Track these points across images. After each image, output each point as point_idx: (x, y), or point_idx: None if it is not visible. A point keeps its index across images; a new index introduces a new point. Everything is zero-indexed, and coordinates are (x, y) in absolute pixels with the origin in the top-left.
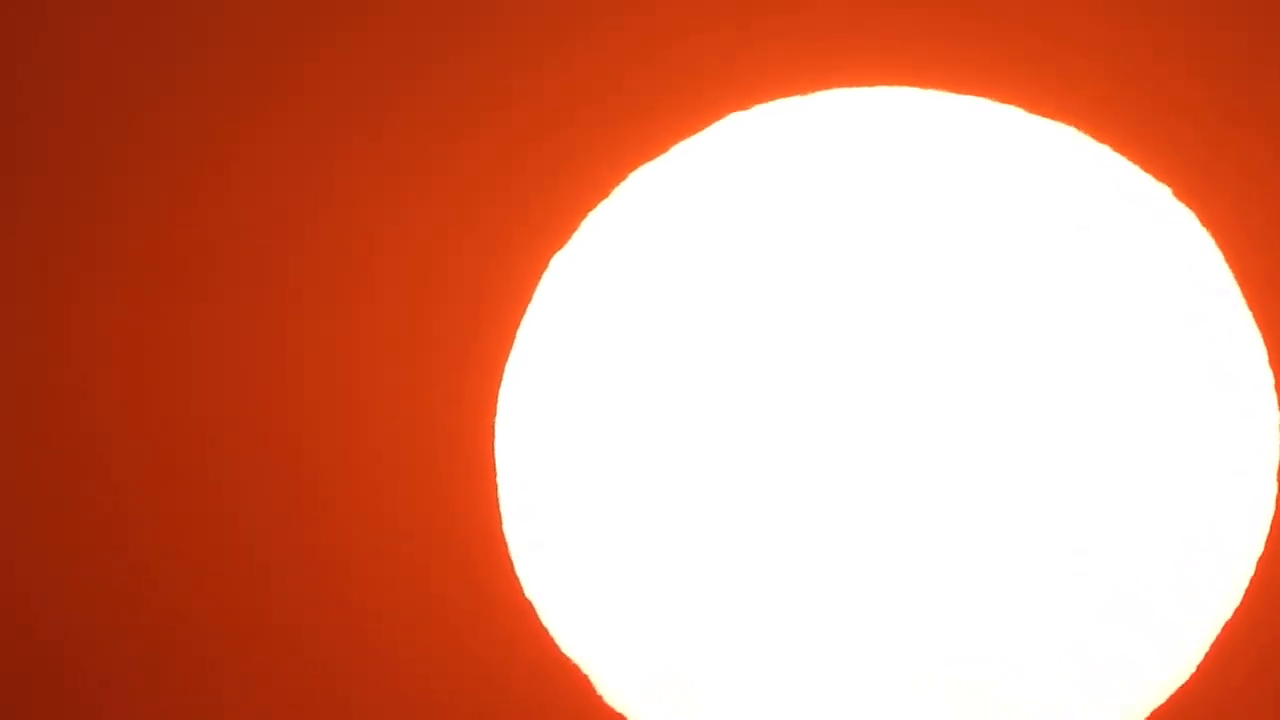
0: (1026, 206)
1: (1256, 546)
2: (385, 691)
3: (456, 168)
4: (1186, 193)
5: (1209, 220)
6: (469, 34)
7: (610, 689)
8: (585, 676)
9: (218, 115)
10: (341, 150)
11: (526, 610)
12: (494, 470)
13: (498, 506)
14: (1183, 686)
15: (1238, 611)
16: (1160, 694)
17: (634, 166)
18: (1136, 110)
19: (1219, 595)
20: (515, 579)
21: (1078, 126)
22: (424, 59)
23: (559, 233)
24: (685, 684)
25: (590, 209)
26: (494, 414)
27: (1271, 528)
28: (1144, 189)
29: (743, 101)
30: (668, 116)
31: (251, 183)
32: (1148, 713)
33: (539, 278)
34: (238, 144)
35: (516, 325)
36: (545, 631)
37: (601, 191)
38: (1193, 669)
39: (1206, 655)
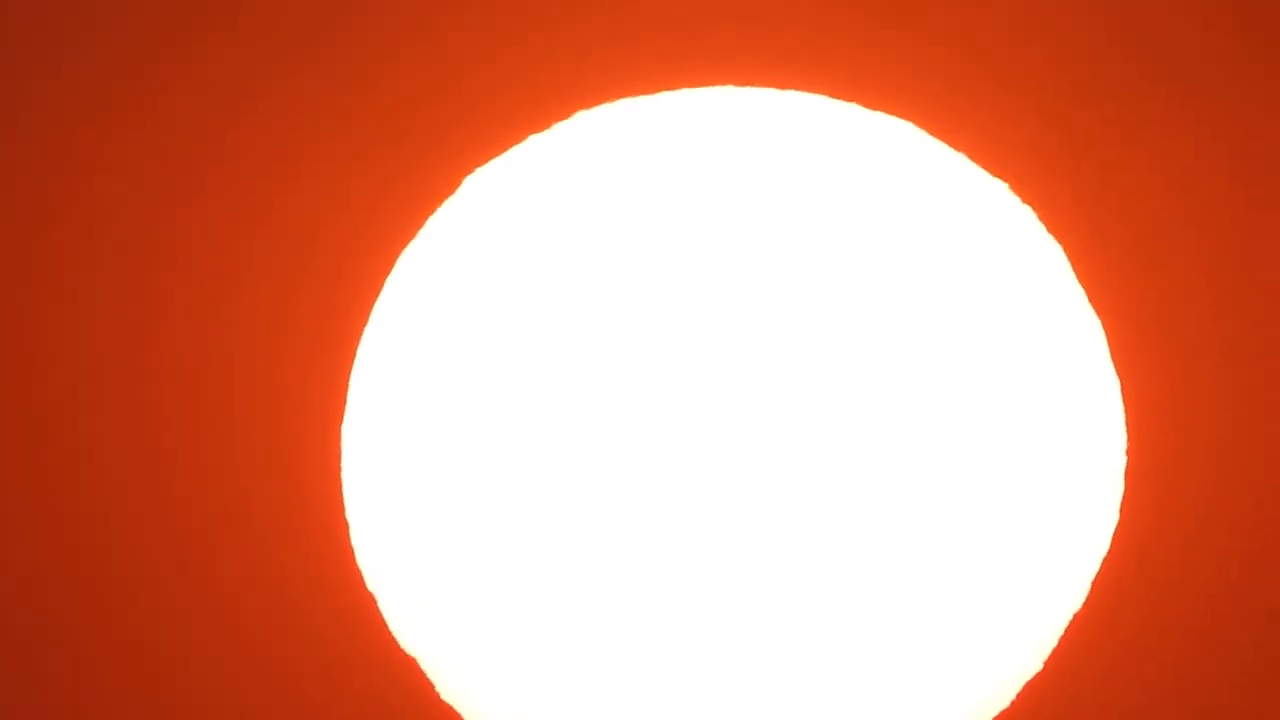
0: (864, 203)
1: (1102, 546)
2: (225, 686)
3: (299, 167)
4: (1024, 189)
5: (1047, 217)
6: (311, 32)
7: (450, 688)
8: (424, 673)
9: (59, 125)
10: (185, 152)
11: (369, 605)
12: (339, 471)
13: (342, 503)
14: (1027, 686)
15: (1081, 610)
16: (1006, 695)
17: (479, 164)
18: (972, 106)
19: (1064, 594)
20: (357, 571)
21: (914, 121)
22: (266, 58)
23: (405, 230)
24: (526, 684)
25: (436, 206)
26: (341, 414)
27: (1117, 526)
28: (980, 185)
29: (589, 100)
30: (514, 114)
31: (99, 184)
32: (993, 714)
33: (385, 277)
34: (79, 149)
35: (363, 325)
36: (386, 627)
37: (448, 188)
38: (1038, 667)
39: (1051, 654)
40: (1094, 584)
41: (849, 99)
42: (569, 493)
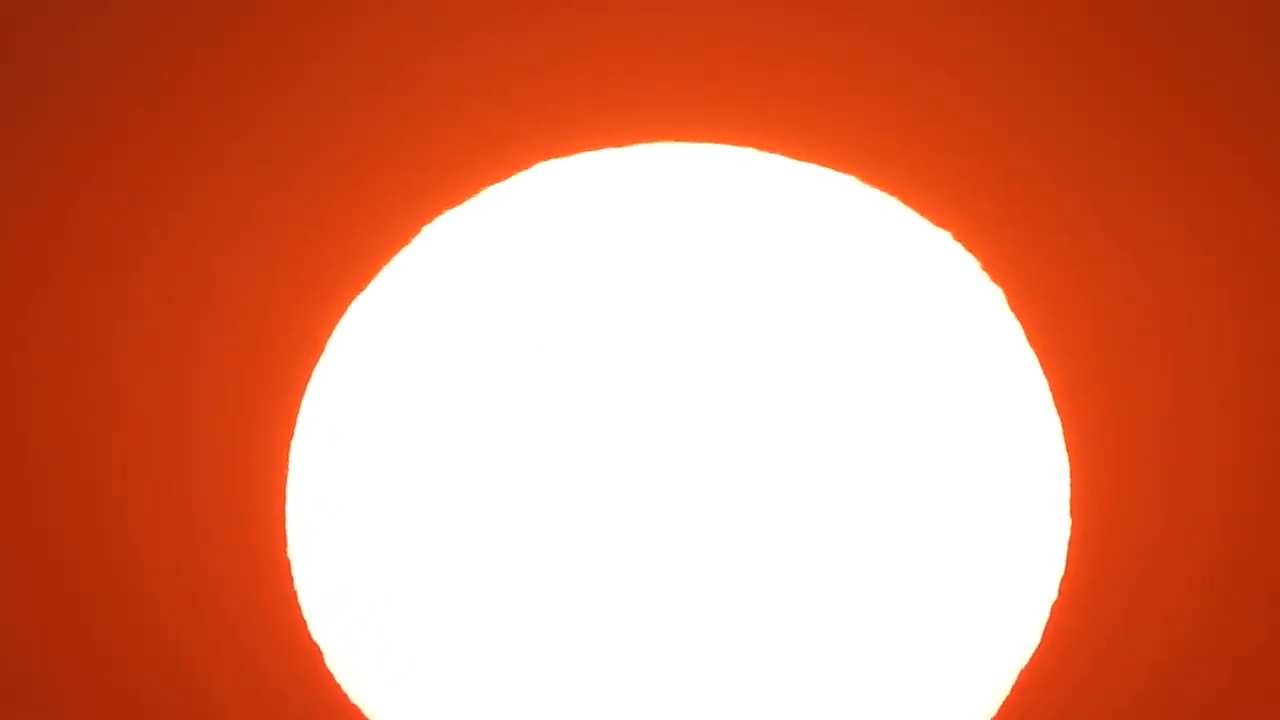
0: (810, 255)
1: (1050, 590)
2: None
3: (259, 209)
4: (966, 238)
5: (990, 265)
6: (278, 73)
7: None
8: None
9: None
10: (143, 191)
11: (312, 650)
12: (284, 517)
13: (286, 544)
14: None
15: (1034, 656)
16: None
17: (439, 212)
18: (914, 158)
19: (1014, 640)
20: (300, 614)
21: (857, 175)
22: (230, 100)
23: (358, 277)
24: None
25: (393, 254)
26: (287, 454)
27: (1065, 569)
28: (923, 235)
29: (551, 151)
30: (476, 163)
31: (57, 222)
32: None
33: (336, 322)
34: (37, 186)
35: (311, 369)
36: (330, 674)
37: (405, 236)
38: (992, 713)
39: (1006, 700)
40: (1046, 628)
41: (795, 155)
42: (516, 542)
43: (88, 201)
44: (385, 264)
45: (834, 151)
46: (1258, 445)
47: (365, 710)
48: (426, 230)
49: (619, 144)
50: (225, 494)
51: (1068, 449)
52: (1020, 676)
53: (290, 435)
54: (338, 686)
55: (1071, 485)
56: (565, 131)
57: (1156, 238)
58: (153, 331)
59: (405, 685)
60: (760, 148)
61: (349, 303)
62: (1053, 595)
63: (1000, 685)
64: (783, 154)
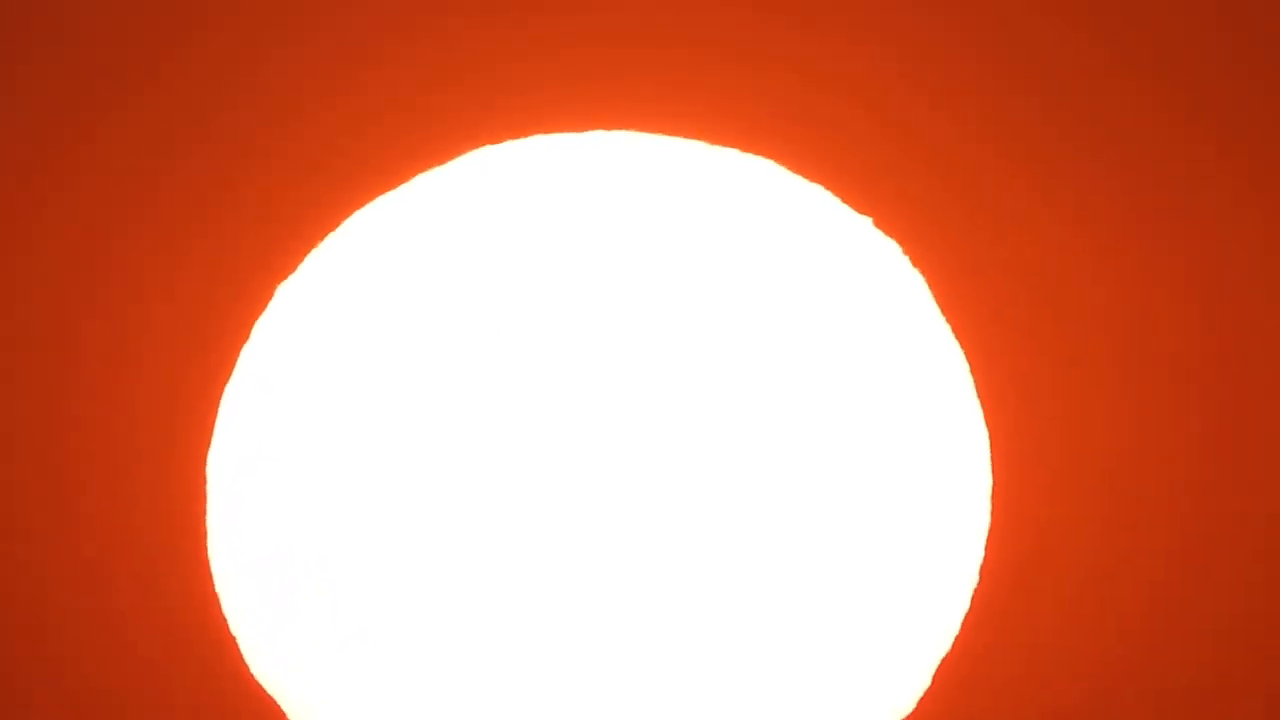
0: (732, 240)
1: (970, 580)
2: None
3: (186, 191)
4: (887, 224)
5: (911, 250)
6: (212, 55)
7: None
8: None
9: None
10: (57, 167)
11: (229, 645)
12: (204, 502)
13: (205, 539)
14: None
15: (953, 647)
16: None
17: (370, 197)
18: (835, 143)
19: (933, 631)
20: (220, 612)
21: (777, 160)
22: (160, 83)
23: (288, 261)
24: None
25: (321, 238)
26: (208, 444)
27: (985, 558)
28: (844, 221)
29: (482, 139)
30: (408, 149)
31: None
32: None
33: (263, 308)
34: None
35: (236, 355)
36: (248, 669)
37: (335, 221)
38: (911, 707)
39: (924, 694)
40: (965, 619)
41: (715, 141)
42: (443, 530)
43: (5, 189)
44: (313, 248)
45: (754, 137)
46: (1184, 432)
47: (281, 701)
48: (356, 215)
49: (546, 131)
50: (146, 482)
51: (989, 435)
52: (939, 668)
53: (213, 422)
54: (256, 681)
55: (993, 472)
56: (496, 118)
57: (1080, 222)
58: (73, 318)
59: (320, 672)
60: (681, 134)
61: (275, 287)
62: (972, 585)
63: (919, 677)
64: (704, 140)
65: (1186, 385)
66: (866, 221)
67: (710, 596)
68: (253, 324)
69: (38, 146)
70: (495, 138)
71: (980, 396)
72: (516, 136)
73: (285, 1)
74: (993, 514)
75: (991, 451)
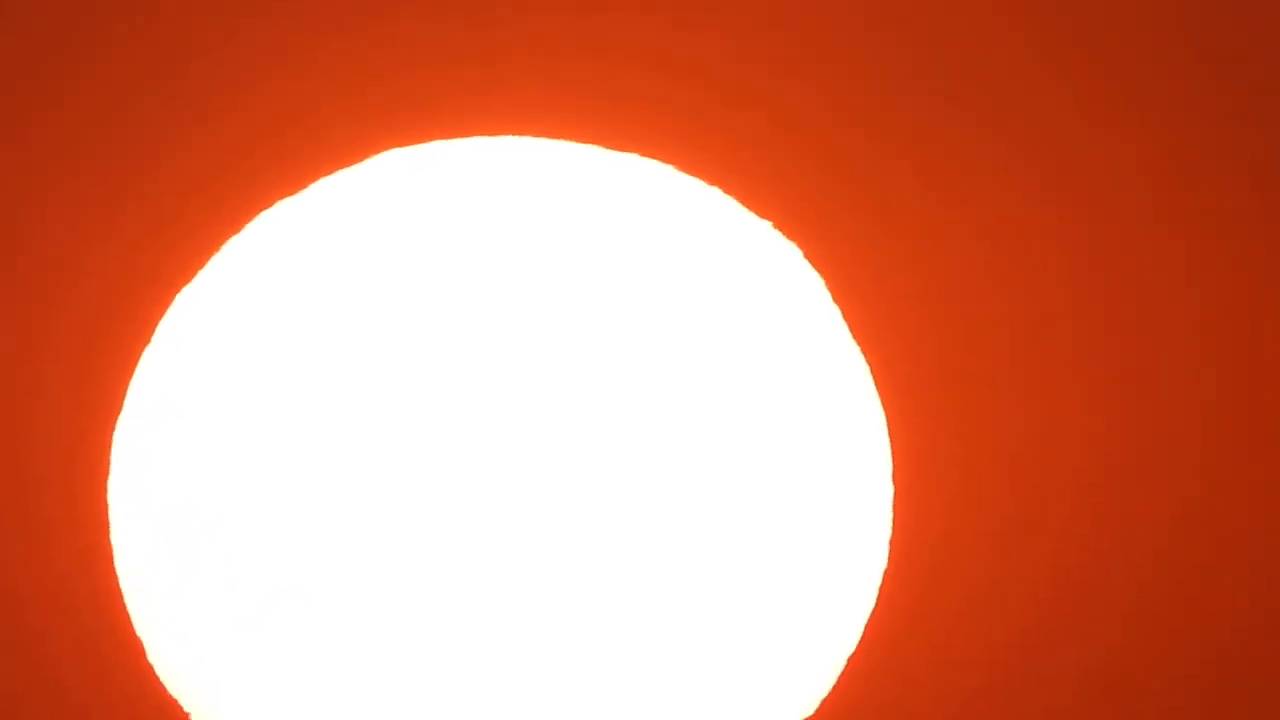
0: (633, 245)
1: (873, 584)
2: None
3: (86, 194)
4: (786, 227)
5: (811, 254)
6: (115, 56)
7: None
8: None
9: None
10: None
11: (136, 649)
12: (106, 511)
13: (109, 538)
14: None
15: (856, 651)
16: None
17: (272, 201)
18: (735, 147)
19: (835, 635)
20: (125, 614)
21: (677, 165)
22: (61, 85)
23: (190, 265)
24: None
25: (223, 242)
26: (111, 444)
27: (888, 562)
28: (743, 224)
29: (386, 143)
30: (309, 154)
31: None
32: None
33: (166, 309)
34: None
35: (138, 358)
36: (153, 672)
37: (237, 225)
38: (812, 710)
39: (826, 697)
40: (867, 623)
41: (614, 146)
42: (346, 538)
43: None
44: (215, 252)
45: (654, 142)
46: (1083, 430)
47: (183, 702)
48: (259, 218)
49: (447, 137)
50: (47, 486)
51: (890, 437)
52: (842, 672)
53: (114, 424)
54: (159, 680)
55: (894, 474)
56: (399, 124)
57: (979, 225)
58: None
59: (222, 676)
60: (580, 139)
61: (178, 290)
62: (875, 588)
63: (821, 681)
64: (603, 145)
65: (1085, 382)
66: (766, 225)
67: (613, 598)
68: (154, 328)
69: None
70: (396, 142)
71: (880, 396)
72: (418, 141)
73: (186, 7)
74: (895, 514)
75: (893, 452)
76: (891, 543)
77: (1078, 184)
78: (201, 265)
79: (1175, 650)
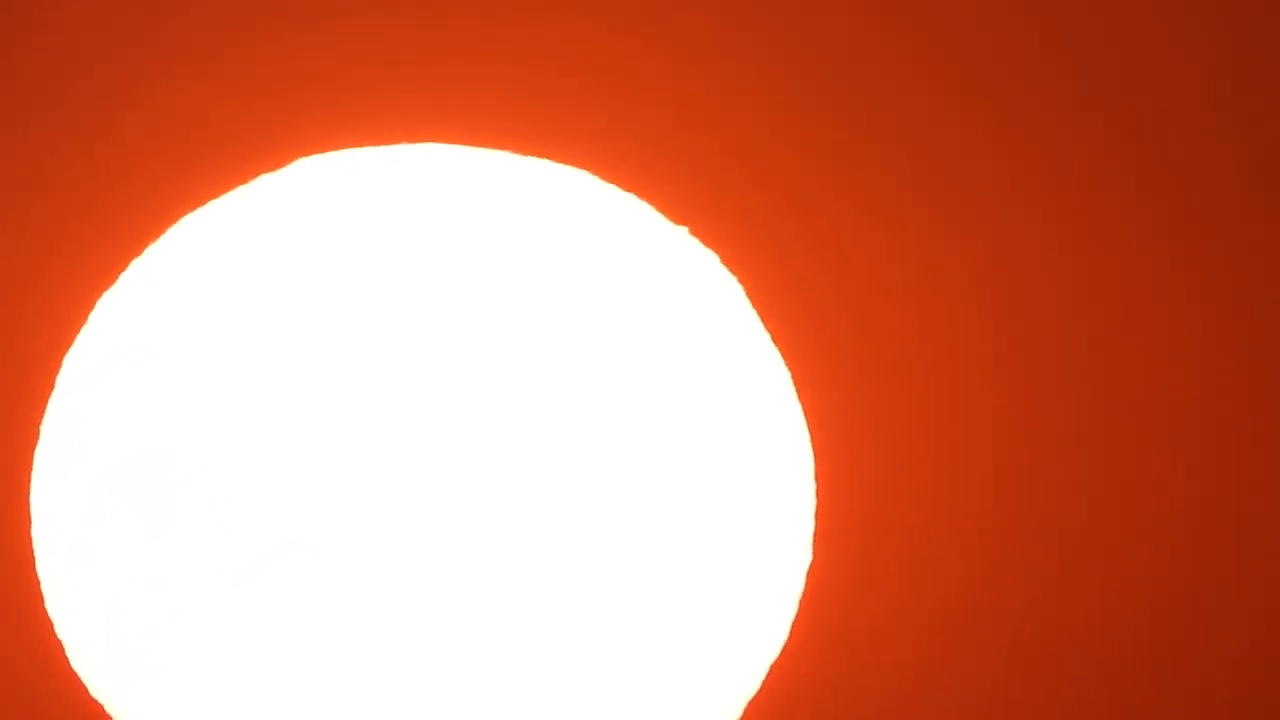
0: (548, 253)
1: (796, 586)
2: None
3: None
4: (704, 233)
5: (729, 259)
6: (36, 54)
7: None
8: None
9: None
10: None
11: (56, 651)
12: (28, 516)
13: (31, 546)
14: None
15: (780, 655)
16: None
17: (193, 206)
18: (651, 152)
19: (760, 638)
20: (48, 620)
21: (595, 172)
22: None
23: (110, 271)
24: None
25: (143, 248)
26: (32, 453)
27: (811, 563)
28: (660, 231)
29: (302, 149)
30: (232, 160)
31: None
32: None
33: (84, 320)
34: None
35: (57, 368)
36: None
37: (157, 231)
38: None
39: (750, 703)
40: (792, 625)
41: (529, 151)
42: (256, 535)
43: None
44: (135, 258)
45: (569, 148)
46: (1002, 429)
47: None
48: (179, 223)
49: (358, 144)
50: None
51: (811, 441)
52: (767, 676)
53: (37, 433)
54: (80, 682)
55: (816, 478)
56: (314, 130)
57: (900, 227)
58: None
59: (152, 684)
60: (494, 145)
61: (97, 298)
62: (798, 591)
63: (747, 685)
64: (516, 150)
65: (1003, 385)
66: (683, 230)
67: (532, 604)
68: (76, 333)
69: None
70: (312, 149)
71: (800, 400)
72: (334, 148)
73: (114, 3)
74: (817, 517)
75: (814, 456)
76: (814, 546)
77: (991, 186)
78: (122, 270)
79: (1091, 641)
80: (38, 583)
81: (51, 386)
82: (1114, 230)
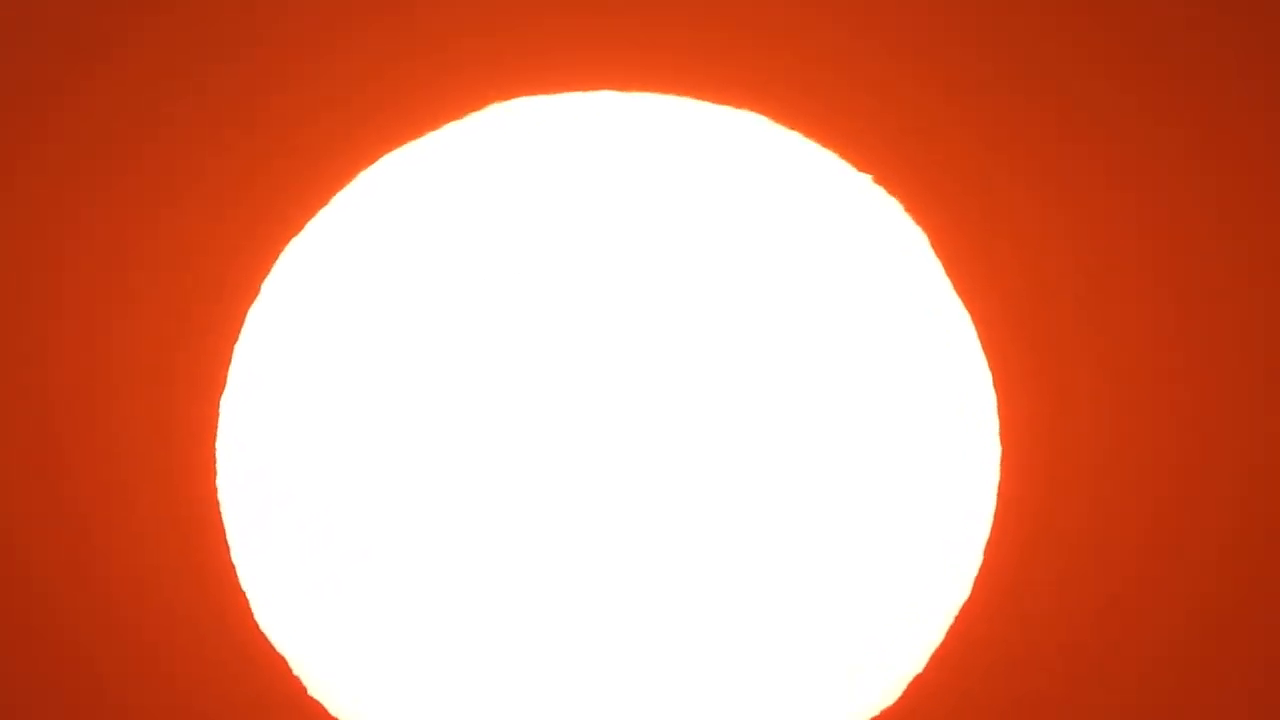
0: (731, 201)
1: (980, 535)
2: (91, 674)
3: (194, 150)
4: (887, 181)
5: (912, 208)
6: (219, 9)
7: (322, 691)
8: (296, 676)
9: None
10: (75, 135)
11: (241, 603)
12: (214, 467)
13: (217, 496)
14: (912, 683)
15: (964, 606)
16: (892, 693)
17: (378, 156)
18: (835, 101)
19: (945, 590)
20: (231, 567)
21: (775, 119)
22: (167, 40)
23: (299, 217)
24: (393, 681)
25: (330, 196)
26: (219, 400)
27: (994, 516)
28: (844, 178)
29: (471, 104)
30: (422, 105)
31: None
32: (875, 712)
33: (272, 264)
34: None
35: (247, 310)
36: (257, 625)
37: (344, 179)
38: (923, 666)
39: (936, 651)
40: (976, 579)
41: (712, 99)
42: (453, 494)
43: (13, 148)
44: (322, 206)
45: (751, 95)
46: (1185, 384)
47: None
48: (365, 173)
49: (535, 93)
50: (156, 445)
51: (995, 392)
52: (950, 630)
53: (224, 382)
54: (264, 635)
55: (1001, 429)
56: (484, 83)
57: (1079, 180)
58: (84, 277)
59: (329, 631)
60: (677, 93)
61: (282, 247)
62: (982, 543)
63: (931, 639)
64: (700, 98)
65: (1190, 331)
66: (866, 179)
67: (714, 558)
68: (261, 280)
69: (22, 109)
70: (483, 102)
71: (985, 352)
72: (513, 97)
73: None
74: (1001, 466)
75: (998, 407)
76: (999, 494)
77: (1177, 140)
78: (307, 220)
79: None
80: (224, 536)
81: (236, 337)
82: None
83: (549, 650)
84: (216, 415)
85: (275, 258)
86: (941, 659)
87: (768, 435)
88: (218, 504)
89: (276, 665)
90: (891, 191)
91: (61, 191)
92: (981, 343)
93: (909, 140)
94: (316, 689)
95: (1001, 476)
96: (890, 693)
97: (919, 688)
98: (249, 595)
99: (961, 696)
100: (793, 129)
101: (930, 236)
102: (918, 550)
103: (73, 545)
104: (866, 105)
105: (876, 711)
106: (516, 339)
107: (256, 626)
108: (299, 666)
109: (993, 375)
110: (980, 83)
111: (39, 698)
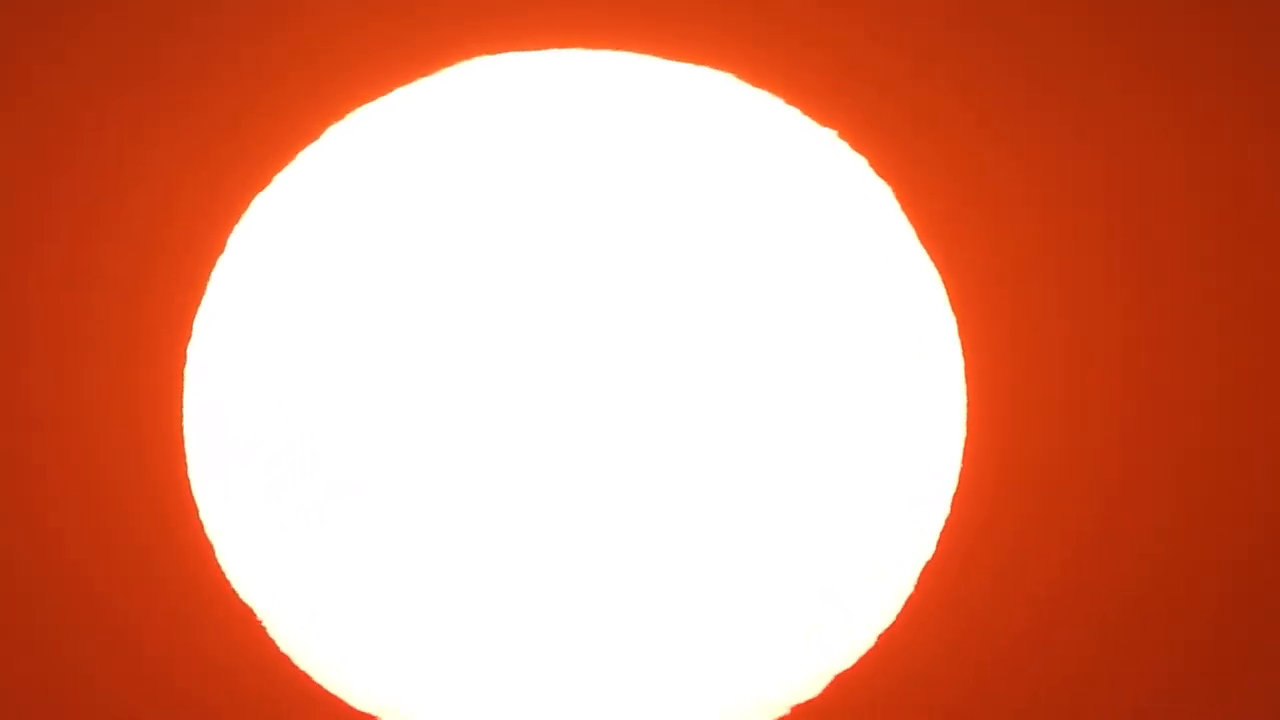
0: (697, 157)
1: (945, 496)
2: (63, 636)
3: (164, 103)
4: (851, 136)
5: (877, 163)
6: None
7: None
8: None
9: None
10: (44, 88)
11: (207, 553)
12: (181, 420)
13: (184, 450)
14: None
15: (929, 563)
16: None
17: (348, 110)
18: (798, 56)
19: (910, 546)
20: (198, 523)
21: (741, 76)
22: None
23: (266, 172)
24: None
25: (298, 151)
26: (183, 363)
27: (960, 473)
28: (809, 135)
29: (452, 56)
30: (388, 62)
31: None
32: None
33: (238, 220)
34: None
35: (213, 265)
36: (224, 576)
37: (312, 134)
38: (890, 621)
39: (905, 605)
40: (940, 536)
41: (675, 56)
42: (410, 447)
43: None
44: (290, 161)
45: (717, 53)
46: (1151, 341)
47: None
48: (332, 129)
49: (514, 49)
50: (123, 398)
51: (962, 345)
52: (916, 587)
53: (188, 335)
54: (228, 582)
55: (967, 381)
56: (464, 38)
57: (1043, 134)
58: (53, 231)
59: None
60: (641, 51)
61: (251, 199)
62: (949, 497)
63: (899, 594)
64: (664, 57)
65: (1154, 285)
66: (830, 134)
67: (671, 531)
68: (229, 234)
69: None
70: (452, 59)
71: (951, 305)
72: (478, 55)
73: None
74: (968, 420)
75: (964, 360)
76: (965, 448)
77: (1139, 96)
78: (276, 173)
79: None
80: (189, 486)
81: (203, 291)
82: (1233, 136)
83: (514, 601)
84: (182, 372)
85: (241, 213)
86: (907, 616)
87: (730, 392)
88: (184, 455)
89: (248, 621)
90: (856, 148)
91: (28, 149)
92: (947, 296)
93: (875, 96)
94: (286, 644)
95: (967, 432)
96: (854, 650)
97: (884, 645)
98: (214, 546)
99: (926, 654)
100: (760, 87)
101: (895, 190)
102: (882, 508)
103: (35, 503)
104: (832, 60)
105: (838, 669)
106: (483, 295)
107: (225, 581)
108: (269, 622)
109: (958, 329)
110: (944, 41)
111: (5, 664)
